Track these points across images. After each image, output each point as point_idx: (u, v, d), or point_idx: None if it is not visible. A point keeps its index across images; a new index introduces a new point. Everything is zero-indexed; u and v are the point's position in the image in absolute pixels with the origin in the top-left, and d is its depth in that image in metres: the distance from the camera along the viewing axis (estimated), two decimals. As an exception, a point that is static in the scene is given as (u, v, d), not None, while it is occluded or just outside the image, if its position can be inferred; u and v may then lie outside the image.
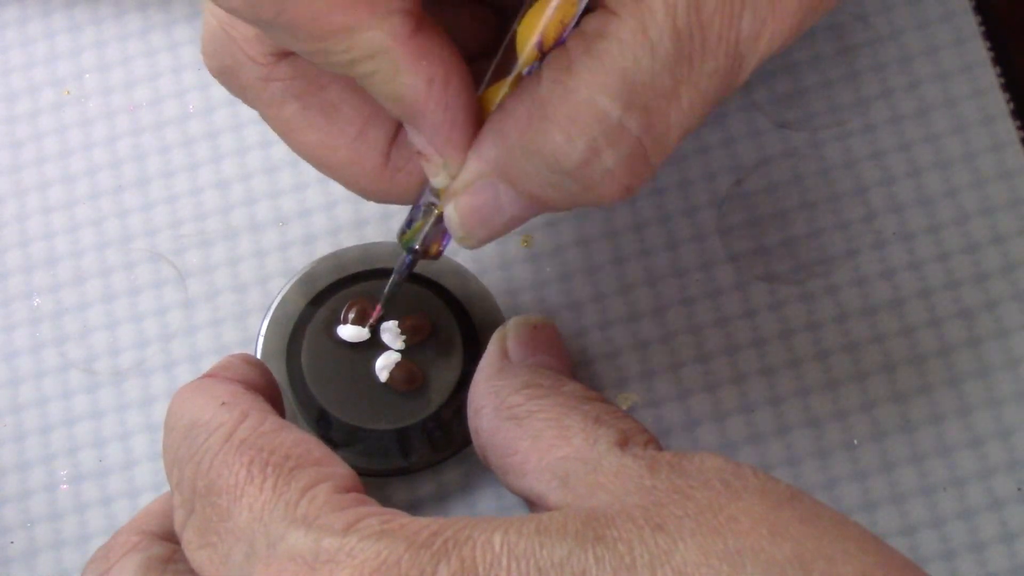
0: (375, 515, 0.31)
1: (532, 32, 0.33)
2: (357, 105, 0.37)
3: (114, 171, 0.48)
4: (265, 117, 0.38)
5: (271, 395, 0.39)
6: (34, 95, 0.49)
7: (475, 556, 0.29)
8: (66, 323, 0.46)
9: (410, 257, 0.39)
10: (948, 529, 0.42)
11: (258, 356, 0.43)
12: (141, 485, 0.44)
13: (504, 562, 0.29)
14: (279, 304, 0.44)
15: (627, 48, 0.31)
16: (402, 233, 0.39)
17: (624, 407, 0.44)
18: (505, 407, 0.37)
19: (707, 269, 0.45)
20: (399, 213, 0.46)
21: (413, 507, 0.43)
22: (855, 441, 0.43)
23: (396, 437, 0.42)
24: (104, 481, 0.44)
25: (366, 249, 0.45)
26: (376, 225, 0.46)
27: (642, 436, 0.35)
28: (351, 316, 0.43)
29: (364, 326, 0.42)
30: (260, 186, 0.47)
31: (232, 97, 0.39)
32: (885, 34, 0.47)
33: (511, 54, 0.34)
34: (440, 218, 0.37)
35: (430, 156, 0.35)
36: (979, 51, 0.47)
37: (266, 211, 0.47)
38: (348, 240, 0.46)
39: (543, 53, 0.33)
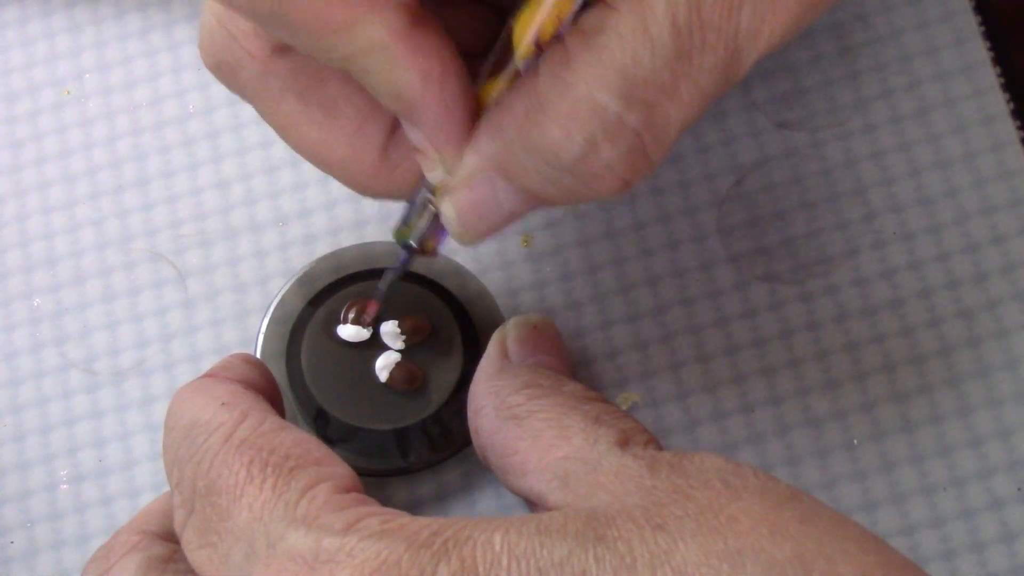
0: (375, 515, 0.31)
1: (528, 28, 0.32)
2: (355, 101, 0.37)
3: (114, 171, 0.48)
4: (262, 113, 0.38)
5: (271, 395, 0.39)
6: (34, 95, 0.49)
7: (475, 556, 0.29)
8: (66, 323, 0.46)
9: (406, 254, 0.39)
10: (948, 529, 0.42)
11: (258, 356, 0.43)
12: (141, 485, 0.44)
13: (504, 562, 0.29)
14: (279, 304, 0.44)
15: (626, 43, 0.31)
16: (398, 230, 0.39)
17: (624, 407, 0.44)
18: (505, 407, 0.37)
19: (707, 269, 0.45)
20: (398, 213, 0.46)
21: (413, 507, 0.43)
22: (855, 441, 0.43)
23: (396, 437, 0.42)
24: (104, 481, 0.44)
25: (366, 249, 0.45)
26: (376, 225, 0.46)
27: (642, 436, 0.35)
28: (351, 316, 0.43)
29: (364, 325, 0.42)
30: (260, 186, 0.47)
31: (232, 97, 0.39)
32: (885, 34, 0.47)
33: (507, 50, 0.34)
34: (437, 215, 0.37)
35: (427, 152, 0.35)
36: (979, 51, 0.47)
37: (266, 211, 0.47)
38: (348, 240, 0.46)
39: (540, 49, 0.33)
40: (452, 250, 0.45)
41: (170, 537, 0.36)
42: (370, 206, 0.46)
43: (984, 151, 0.46)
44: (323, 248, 0.46)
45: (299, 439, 0.34)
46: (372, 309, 0.42)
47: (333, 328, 0.43)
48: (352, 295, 0.43)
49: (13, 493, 0.45)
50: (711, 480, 0.31)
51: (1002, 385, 0.44)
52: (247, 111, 0.40)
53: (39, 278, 0.47)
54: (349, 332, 0.42)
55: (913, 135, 0.46)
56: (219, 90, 0.48)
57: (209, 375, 0.38)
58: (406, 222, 0.38)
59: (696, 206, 0.46)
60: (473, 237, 0.36)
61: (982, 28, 0.47)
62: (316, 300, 0.44)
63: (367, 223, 0.46)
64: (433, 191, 0.37)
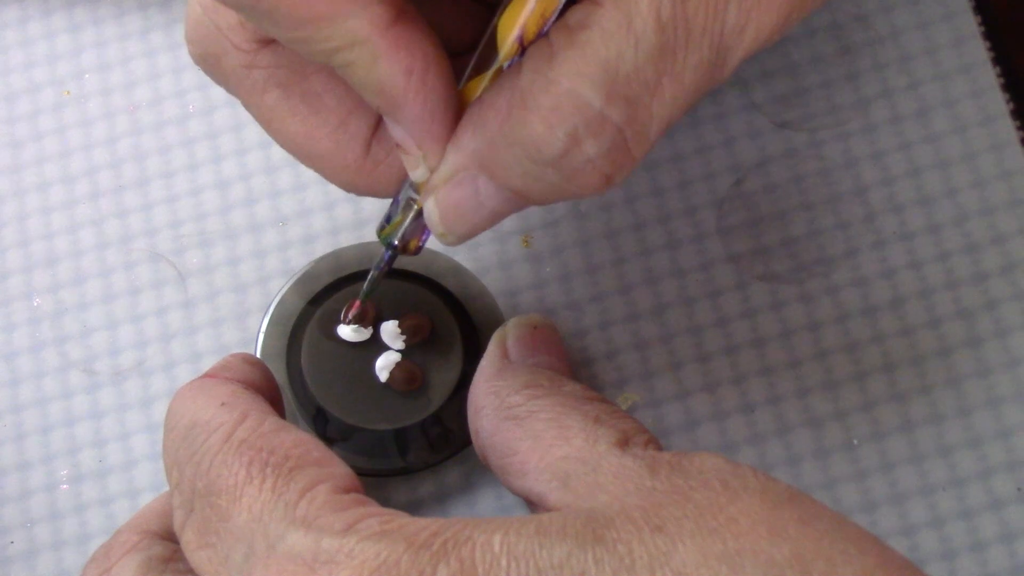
0: (375, 515, 0.31)
1: (513, 26, 0.32)
2: (339, 95, 0.37)
3: (114, 171, 0.48)
4: (247, 105, 0.38)
5: (271, 395, 0.39)
6: (34, 95, 0.49)
7: (475, 557, 0.29)
8: (66, 323, 0.46)
9: (389, 253, 0.39)
10: (948, 529, 0.42)
11: (258, 356, 0.43)
12: (141, 485, 0.44)
13: (504, 563, 0.29)
14: (279, 304, 0.44)
15: (610, 39, 0.31)
16: (381, 228, 0.38)
17: (624, 407, 0.44)
18: (505, 407, 0.37)
19: (707, 269, 0.45)
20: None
21: (413, 507, 0.43)
22: (855, 441, 0.43)
23: (396, 437, 0.42)
24: (104, 481, 0.44)
25: (365, 249, 0.45)
26: (375, 225, 0.46)
27: (642, 436, 0.35)
28: (350, 316, 0.43)
29: (347, 323, 0.42)
30: (260, 186, 0.47)
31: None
32: (885, 34, 0.47)
33: (492, 48, 0.34)
34: (420, 213, 0.37)
35: (409, 149, 0.35)
36: (979, 51, 0.47)
37: (266, 211, 0.47)
38: (347, 240, 0.46)
39: (523, 47, 0.33)
40: (452, 250, 0.45)
41: (170, 537, 0.36)
42: (370, 206, 0.46)
43: (984, 151, 0.46)
44: (323, 248, 0.46)
45: (299, 439, 0.34)
46: (353, 310, 0.42)
47: (333, 328, 0.43)
48: (352, 295, 0.43)
49: (13, 493, 0.45)
50: (710, 481, 0.31)
51: (1002, 385, 0.44)
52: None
53: (39, 278, 0.47)
54: (349, 332, 0.42)
55: (913, 135, 0.46)
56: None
57: (209, 375, 0.38)
58: (389, 220, 0.38)
59: (696, 206, 0.46)
60: (456, 237, 0.36)
61: (982, 28, 0.47)
62: (316, 300, 0.44)
63: (367, 223, 0.46)
64: (417, 190, 0.37)
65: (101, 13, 0.50)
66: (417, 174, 0.36)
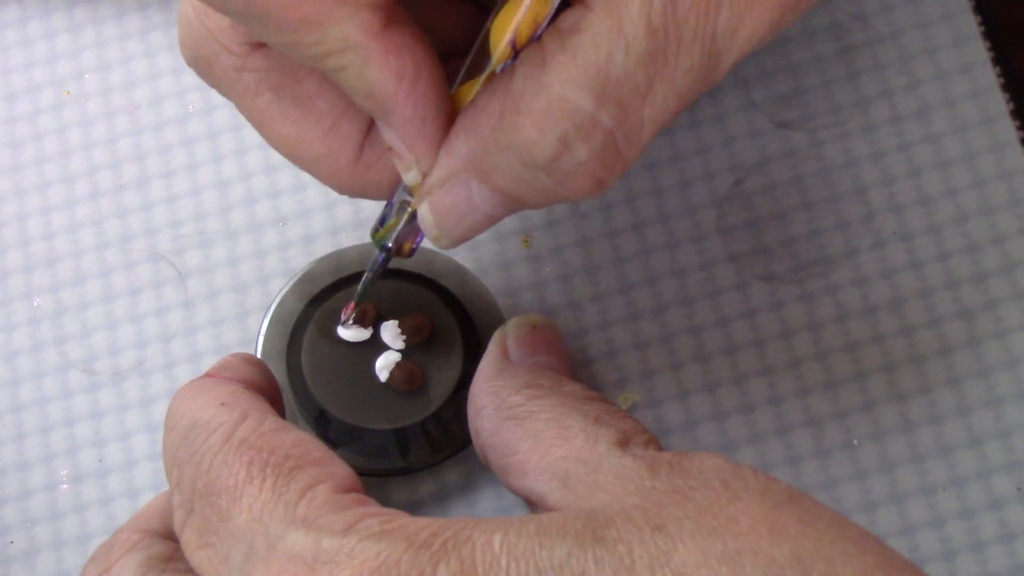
0: (375, 515, 0.31)
1: (505, 30, 0.32)
2: (331, 98, 0.37)
3: (114, 171, 0.48)
4: (239, 107, 0.38)
5: (271, 395, 0.39)
6: (34, 95, 0.49)
7: (475, 557, 0.29)
8: (66, 323, 0.46)
9: (383, 255, 0.39)
10: (948, 529, 0.42)
11: (258, 356, 0.43)
12: (141, 485, 0.44)
13: (504, 563, 0.29)
14: (279, 304, 0.44)
15: (601, 43, 0.31)
16: (375, 231, 0.38)
17: (624, 407, 0.44)
18: (505, 407, 0.37)
19: (707, 269, 0.45)
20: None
21: (413, 507, 0.43)
22: (855, 441, 0.43)
23: (396, 437, 0.42)
24: (104, 481, 0.44)
25: (366, 249, 0.45)
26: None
27: (642, 436, 0.35)
28: (349, 317, 0.43)
29: (344, 324, 0.42)
30: (260, 186, 0.47)
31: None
32: (885, 34, 0.47)
33: (484, 52, 0.34)
34: (413, 216, 0.37)
35: (401, 153, 0.35)
36: (979, 51, 0.47)
37: (266, 211, 0.47)
38: (347, 240, 0.46)
39: (516, 51, 0.33)
40: (452, 250, 0.45)
41: (171, 535, 0.36)
42: (370, 207, 0.46)
43: (984, 151, 0.46)
44: (323, 248, 0.46)
45: (299, 439, 0.34)
46: (350, 310, 0.42)
47: (333, 328, 0.43)
48: (352, 296, 0.43)
49: (13, 493, 0.45)
50: (711, 481, 0.31)
51: (1002, 385, 0.44)
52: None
53: (39, 278, 0.47)
54: (349, 332, 0.42)
55: (913, 135, 0.46)
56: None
57: (209, 375, 0.38)
58: (383, 223, 0.38)
59: (696, 206, 0.46)
60: (450, 241, 0.36)
61: (982, 28, 0.47)
62: (316, 300, 0.44)
63: (367, 223, 0.46)
64: (410, 193, 0.37)
65: (101, 13, 0.50)
66: (409, 178, 0.36)
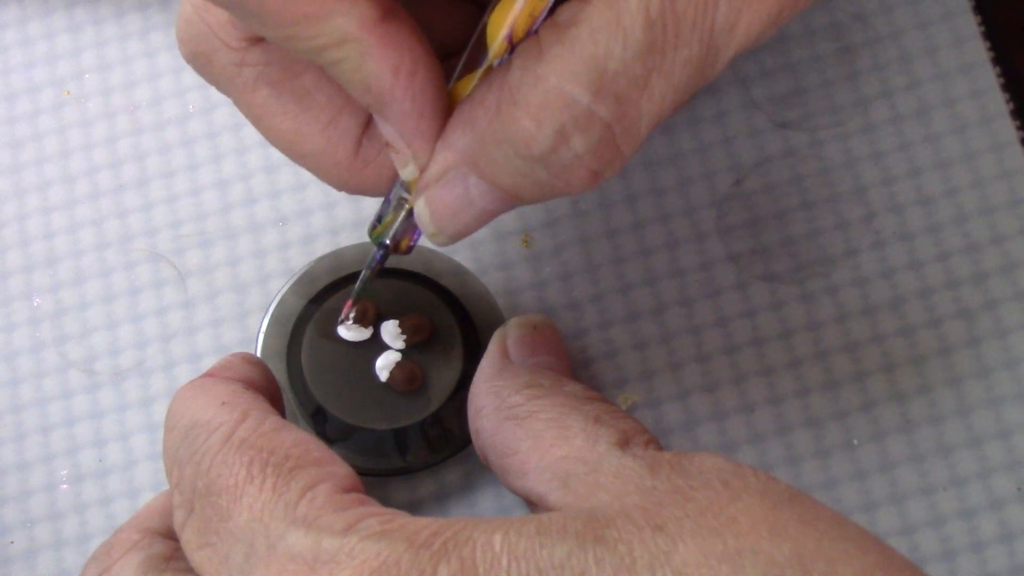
0: (375, 515, 0.31)
1: (502, 24, 0.32)
2: (330, 93, 0.37)
3: (114, 171, 0.48)
4: (238, 103, 0.38)
5: (271, 394, 0.39)
6: (34, 95, 0.49)
7: (475, 556, 0.29)
8: (66, 323, 0.46)
9: (381, 252, 0.39)
10: (948, 529, 0.42)
11: (258, 356, 0.43)
12: (141, 485, 0.44)
13: (504, 562, 0.29)
14: (279, 304, 0.44)
15: (599, 36, 0.31)
16: (372, 228, 0.38)
17: (624, 407, 0.44)
18: (505, 407, 0.37)
19: (707, 269, 0.45)
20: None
21: (413, 507, 0.43)
22: (855, 441, 0.43)
23: (396, 437, 0.42)
24: (104, 481, 0.44)
25: (365, 249, 0.45)
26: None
27: (642, 436, 0.35)
28: (351, 315, 0.43)
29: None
30: (260, 186, 0.47)
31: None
32: (885, 34, 0.47)
33: (481, 47, 0.34)
34: (410, 212, 0.37)
35: (398, 147, 0.35)
36: (979, 51, 0.47)
37: (266, 211, 0.47)
38: (347, 240, 0.46)
39: (513, 45, 0.33)
40: (452, 249, 0.46)
41: (171, 535, 0.36)
42: (370, 206, 0.46)
43: (984, 151, 0.46)
44: (323, 248, 0.46)
45: (299, 439, 0.34)
46: (348, 308, 0.42)
47: (333, 328, 0.43)
48: (352, 294, 0.43)
49: (13, 493, 0.45)
50: (711, 481, 0.31)
51: (1002, 385, 0.44)
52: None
53: (39, 278, 0.47)
54: (349, 332, 0.42)
55: (913, 135, 0.46)
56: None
57: (209, 374, 0.38)
58: (380, 220, 0.38)
59: (696, 206, 0.46)
60: (447, 237, 0.36)
61: (982, 28, 0.47)
62: (316, 300, 0.44)
63: (367, 223, 0.46)
64: (407, 189, 0.36)
65: (101, 13, 0.50)
66: (406, 172, 0.36)
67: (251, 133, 0.48)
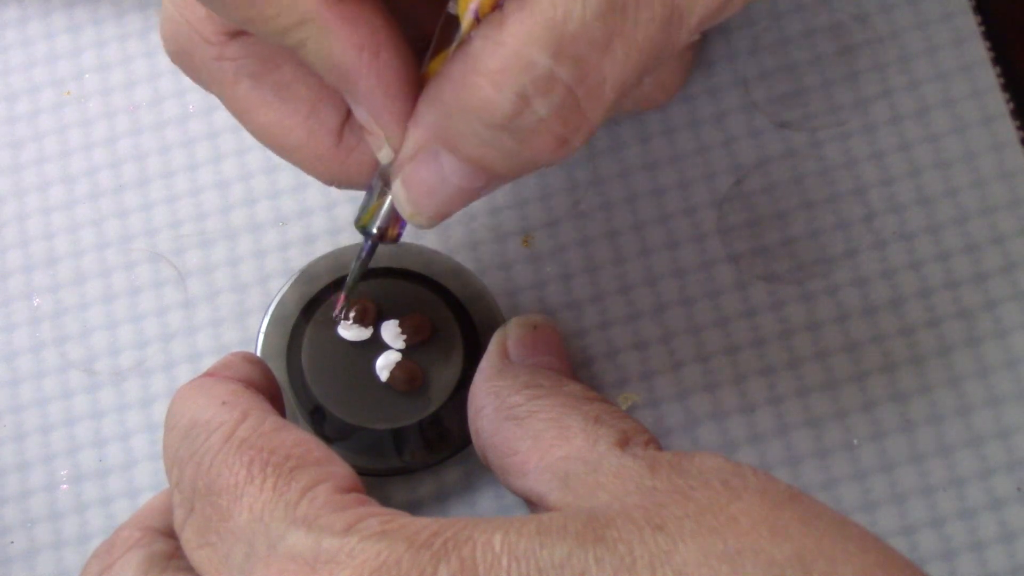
0: (375, 515, 0.31)
1: (469, 1, 0.32)
2: (309, 83, 0.37)
3: (114, 171, 0.48)
4: (221, 98, 0.38)
5: (272, 394, 0.39)
6: (34, 95, 0.49)
7: (475, 556, 0.29)
8: (66, 323, 0.46)
9: (368, 242, 0.39)
10: (948, 529, 0.42)
11: (258, 356, 0.43)
12: (141, 485, 0.44)
13: (504, 562, 0.29)
14: (279, 303, 0.44)
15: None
16: (358, 218, 0.38)
17: (624, 407, 0.44)
18: (505, 407, 0.37)
19: (707, 269, 0.45)
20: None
21: (413, 507, 0.43)
22: (855, 441, 0.43)
23: (396, 437, 0.42)
24: (104, 481, 0.44)
25: (365, 249, 0.45)
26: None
27: (642, 436, 0.35)
28: (351, 315, 0.43)
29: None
30: (260, 186, 0.47)
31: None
32: (885, 34, 0.47)
33: (450, 28, 0.33)
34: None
35: (371, 128, 0.35)
36: (979, 51, 0.47)
37: (266, 211, 0.47)
38: (348, 240, 0.46)
39: (480, 21, 0.33)
40: (452, 249, 0.46)
41: (173, 533, 0.36)
42: (370, 206, 0.46)
43: (984, 151, 0.46)
44: (323, 248, 0.46)
45: (300, 439, 0.34)
46: (339, 304, 0.42)
47: (333, 327, 0.43)
48: (351, 295, 0.43)
49: (13, 493, 0.45)
50: (711, 480, 0.31)
51: (1002, 385, 0.44)
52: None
53: (39, 278, 0.47)
54: (349, 332, 0.42)
55: (913, 135, 0.46)
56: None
57: (209, 374, 0.38)
58: (365, 209, 0.38)
59: (696, 206, 0.46)
60: (426, 219, 0.36)
61: (982, 28, 0.47)
62: (316, 300, 0.44)
63: (366, 223, 0.46)
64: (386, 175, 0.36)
65: (101, 13, 0.50)
66: (383, 155, 0.35)
67: (251, 133, 0.48)
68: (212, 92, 0.38)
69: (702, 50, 0.47)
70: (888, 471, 0.43)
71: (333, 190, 0.47)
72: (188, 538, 0.33)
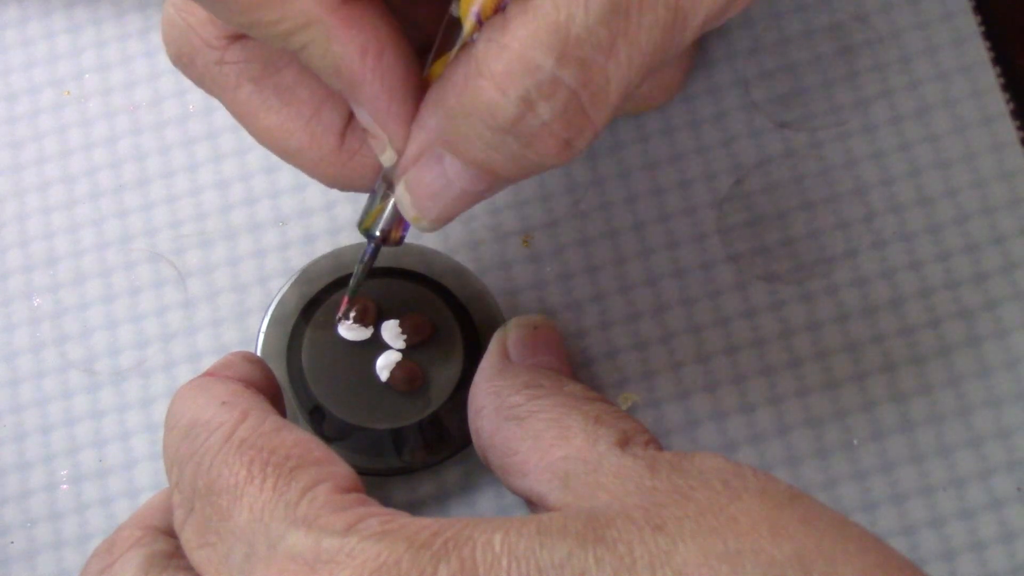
0: (375, 515, 0.31)
1: (472, 3, 0.32)
2: (311, 87, 0.37)
3: (114, 171, 0.48)
4: (223, 101, 0.38)
5: (272, 394, 0.39)
6: (34, 95, 0.49)
7: (475, 556, 0.29)
8: (66, 323, 0.46)
9: (372, 245, 0.39)
10: (948, 529, 0.42)
11: (258, 356, 0.43)
12: (141, 485, 0.44)
13: (504, 563, 0.29)
14: (279, 304, 0.44)
15: (561, 2, 0.31)
16: (361, 221, 0.38)
17: (624, 407, 0.44)
18: (506, 407, 0.37)
19: (707, 269, 0.45)
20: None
21: (413, 507, 0.43)
22: (855, 441, 0.43)
23: (396, 437, 0.42)
24: (104, 481, 0.44)
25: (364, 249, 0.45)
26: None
27: (642, 436, 0.35)
28: (351, 315, 0.43)
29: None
30: (260, 186, 0.47)
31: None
32: (885, 34, 0.47)
33: (452, 30, 0.33)
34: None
35: (374, 132, 0.35)
36: (979, 51, 0.47)
37: (266, 211, 0.47)
38: (347, 240, 0.46)
39: (482, 24, 0.33)
40: (452, 249, 0.46)
41: (173, 532, 0.36)
42: (370, 206, 0.47)
43: (984, 151, 0.46)
44: (323, 248, 0.46)
45: (300, 439, 0.34)
46: (343, 308, 0.42)
47: (333, 328, 0.43)
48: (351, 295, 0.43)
49: (13, 493, 0.45)
50: (711, 481, 0.31)
51: (1002, 385, 0.44)
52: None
53: (39, 278, 0.47)
54: (350, 332, 0.42)
55: (913, 135, 0.46)
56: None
57: (210, 373, 0.38)
58: (368, 212, 0.38)
59: (696, 206, 0.46)
60: (430, 222, 0.36)
61: (982, 28, 0.47)
62: (316, 300, 0.44)
63: (367, 223, 0.46)
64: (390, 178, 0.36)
65: (101, 13, 0.50)
66: (386, 158, 0.35)
67: (251, 133, 0.48)
68: (214, 95, 0.38)
69: (702, 50, 0.47)
70: (888, 471, 0.43)
71: (333, 190, 0.47)
72: (188, 538, 0.33)
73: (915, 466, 0.43)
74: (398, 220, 0.38)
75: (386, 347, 0.43)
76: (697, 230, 0.46)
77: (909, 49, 0.47)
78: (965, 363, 0.44)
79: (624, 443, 0.34)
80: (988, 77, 0.46)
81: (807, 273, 0.45)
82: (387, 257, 0.44)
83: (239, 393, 0.36)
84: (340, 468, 0.33)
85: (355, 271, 0.40)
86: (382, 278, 0.43)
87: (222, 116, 0.48)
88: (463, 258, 0.45)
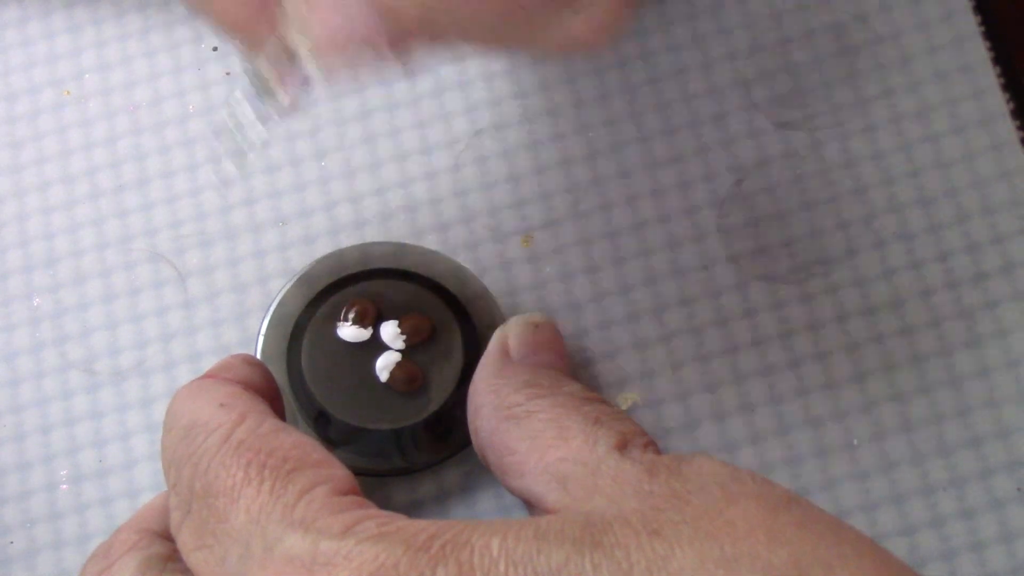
0: (373, 518, 0.31)
1: None
2: None
3: (114, 171, 0.48)
4: None
5: (271, 396, 0.38)
6: (34, 95, 0.49)
7: (473, 560, 0.29)
8: (66, 323, 0.46)
9: (261, 98, 0.37)
10: (948, 529, 0.42)
11: (258, 356, 0.43)
12: (141, 485, 0.44)
13: (502, 567, 0.29)
14: (279, 304, 0.44)
15: None
16: (249, 67, 0.36)
17: (624, 407, 0.44)
18: (505, 407, 0.37)
19: (707, 269, 0.45)
20: (399, 213, 0.46)
21: (413, 508, 0.43)
22: (855, 441, 0.43)
23: (396, 437, 0.42)
24: (104, 481, 0.44)
25: (365, 249, 0.45)
26: (375, 225, 0.46)
27: (641, 439, 0.35)
28: (351, 316, 0.43)
29: (358, 324, 0.42)
30: (260, 186, 0.47)
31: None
32: (885, 34, 0.47)
33: None
34: (287, 50, 0.35)
35: None
36: (979, 51, 0.47)
37: (266, 211, 0.47)
38: (347, 240, 0.46)
39: None
40: (452, 249, 0.46)
41: (170, 535, 0.36)
42: (370, 206, 0.46)
43: (984, 151, 0.46)
44: (323, 248, 0.46)
45: (297, 441, 0.34)
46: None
47: (333, 329, 0.43)
48: (352, 295, 0.43)
49: (13, 493, 0.45)
50: (708, 485, 0.30)
51: (1002, 385, 0.44)
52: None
53: (39, 278, 0.47)
54: (349, 332, 0.42)
55: (913, 135, 0.46)
56: (219, 90, 0.48)
57: (208, 375, 0.38)
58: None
59: (696, 206, 0.46)
60: (330, 70, 0.34)
61: (982, 28, 0.47)
62: (316, 301, 0.44)
63: (367, 223, 0.46)
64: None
65: (101, 13, 0.50)
66: None
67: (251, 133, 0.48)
68: None
69: (702, 50, 0.47)
70: (888, 471, 0.43)
71: (332, 190, 0.47)
72: (185, 540, 0.33)
73: (915, 466, 0.43)
74: (291, 74, 0.35)
75: (386, 348, 0.43)
76: (697, 230, 0.46)
77: (909, 49, 0.47)
78: (965, 363, 0.44)
79: (623, 446, 0.34)
80: (988, 77, 0.46)
81: (807, 273, 0.45)
82: (387, 257, 0.44)
83: (238, 395, 0.36)
84: (338, 470, 0.33)
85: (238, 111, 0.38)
86: (382, 278, 0.43)
87: (222, 116, 0.48)
88: (463, 258, 0.45)
